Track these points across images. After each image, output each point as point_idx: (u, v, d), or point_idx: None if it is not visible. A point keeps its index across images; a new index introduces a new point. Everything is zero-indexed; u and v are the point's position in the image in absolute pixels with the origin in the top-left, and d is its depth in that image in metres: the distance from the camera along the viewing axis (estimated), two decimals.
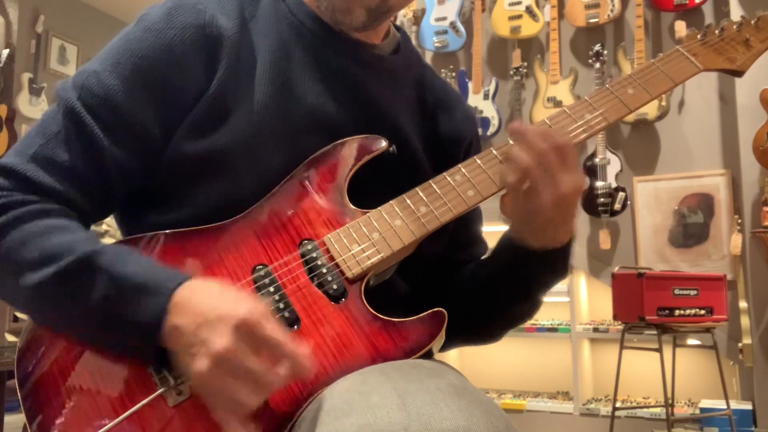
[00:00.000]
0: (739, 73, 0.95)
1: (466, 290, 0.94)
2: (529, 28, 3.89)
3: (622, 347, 3.01)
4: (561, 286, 3.55)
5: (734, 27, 0.96)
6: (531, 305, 0.91)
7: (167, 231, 0.80)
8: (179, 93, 0.81)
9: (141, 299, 0.69)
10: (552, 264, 0.85)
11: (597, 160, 3.58)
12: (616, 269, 3.10)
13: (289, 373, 0.65)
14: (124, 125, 0.80)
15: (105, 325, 0.71)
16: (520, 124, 0.80)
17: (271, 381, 0.64)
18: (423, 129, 0.96)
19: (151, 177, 0.83)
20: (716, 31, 0.95)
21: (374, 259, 0.78)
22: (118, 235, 0.89)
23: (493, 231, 1.10)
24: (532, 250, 0.83)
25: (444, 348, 0.86)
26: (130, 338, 0.71)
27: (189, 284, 0.70)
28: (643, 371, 3.49)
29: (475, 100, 3.97)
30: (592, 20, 3.70)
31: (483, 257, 0.99)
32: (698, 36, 0.95)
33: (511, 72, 3.94)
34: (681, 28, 3.53)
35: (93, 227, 0.86)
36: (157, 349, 0.70)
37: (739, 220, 3.38)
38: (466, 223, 0.97)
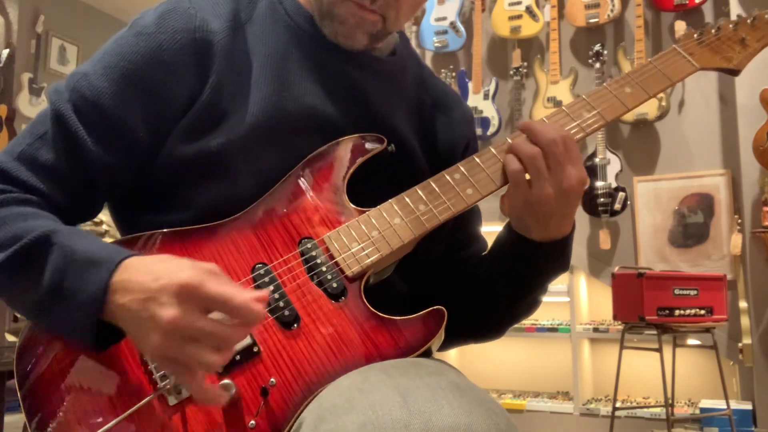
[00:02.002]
0: (735, 72, 0.96)
1: (467, 288, 0.94)
2: (529, 28, 3.89)
3: (622, 347, 3.01)
4: (561, 286, 3.59)
5: (730, 26, 0.96)
6: (533, 299, 0.92)
7: (165, 230, 0.81)
8: (168, 97, 0.82)
9: (87, 271, 0.70)
10: (555, 255, 0.86)
11: (597, 160, 3.58)
12: (616, 269, 3.10)
13: (244, 323, 0.65)
14: (111, 128, 0.81)
15: (52, 300, 0.72)
16: (528, 121, 0.82)
17: (230, 335, 0.64)
18: (421, 130, 0.96)
19: (147, 179, 0.84)
20: (713, 31, 0.96)
21: (374, 258, 0.78)
22: (119, 235, 0.90)
23: (492, 231, 1.10)
24: (536, 242, 0.84)
25: (445, 347, 0.86)
26: (71, 312, 0.71)
27: (132, 260, 0.70)
28: (643, 371, 3.49)
29: (475, 100, 3.97)
30: (592, 20, 3.71)
31: (483, 254, 0.99)
32: (695, 35, 0.95)
33: (511, 72, 3.94)
34: (681, 28, 3.53)
35: (93, 227, 0.86)
36: (95, 324, 0.70)
37: (739, 220, 3.38)
38: (465, 222, 0.97)
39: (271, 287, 0.76)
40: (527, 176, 0.79)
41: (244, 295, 0.64)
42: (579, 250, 3.68)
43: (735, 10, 3.40)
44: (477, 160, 0.84)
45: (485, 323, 0.95)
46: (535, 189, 0.79)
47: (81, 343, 0.73)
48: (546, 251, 0.85)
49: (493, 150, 0.84)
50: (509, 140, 0.84)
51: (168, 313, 0.63)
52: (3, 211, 0.76)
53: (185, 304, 0.64)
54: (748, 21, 0.97)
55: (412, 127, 0.95)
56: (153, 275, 0.66)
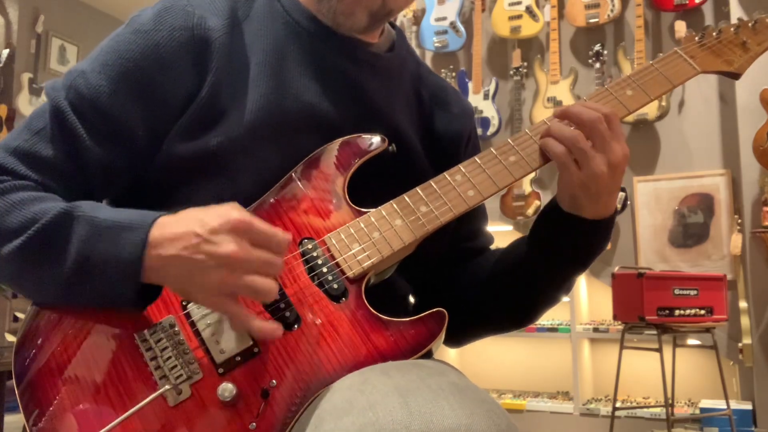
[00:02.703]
0: (736, 76, 0.96)
1: (485, 280, 0.93)
2: (529, 28, 3.89)
3: (622, 347, 3.01)
4: None
5: (731, 29, 0.96)
6: (573, 281, 0.92)
7: None
8: (166, 95, 0.82)
9: (119, 236, 0.72)
10: (604, 232, 0.86)
11: None
12: (616, 269, 3.10)
13: (281, 256, 0.71)
14: (108, 125, 0.81)
15: (85, 270, 0.72)
16: (563, 107, 0.83)
17: (281, 263, 0.71)
18: (420, 126, 0.96)
19: (145, 177, 0.84)
20: (714, 34, 0.96)
21: (374, 259, 0.78)
22: None
23: (492, 231, 1.10)
24: (588, 220, 0.84)
25: (468, 340, 0.87)
26: (110, 278, 0.72)
27: (161, 220, 0.73)
28: (643, 371, 3.49)
29: (475, 100, 3.97)
30: (592, 20, 3.71)
31: (514, 241, 0.97)
32: (696, 38, 0.95)
33: (511, 72, 3.94)
34: (681, 28, 3.53)
35: None
36: (137, 285, 0.72)
37: (739, 220, 3.38)
38: (471, 218, 0.96)
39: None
40: (573, 157, 0.80)
41: (279, 231, 0.72)
42: None
43: (735, 10, 3.40)
44: (478, 161, 0.84)
45: (515, 313, 0.94)
46: (585, 168, 0.79)
47: (123, 306, 0.74)
48: (597, 228, 0.85)
49: (494, 151, 0.84)
50: (510, 141, 0.84)
51: (228, 248, 0.68)
52: (10, 197, 0.76)
53: (241, 240, 0.69)
54: (750, 24, 0.97)
55: (412, 124, 0.94)
56: (197, 222, 0.70)
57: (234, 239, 0.68)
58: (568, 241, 0.86)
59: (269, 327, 0.71)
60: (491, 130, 3.89)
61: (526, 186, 3.60)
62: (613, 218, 0.86)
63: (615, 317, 3.02)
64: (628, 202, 3.59)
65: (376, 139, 0.86)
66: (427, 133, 0.97)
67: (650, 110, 3.53)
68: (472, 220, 0.99)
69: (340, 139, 0.86)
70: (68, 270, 0.72)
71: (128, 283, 0.72)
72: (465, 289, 0.95)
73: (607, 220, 0.85)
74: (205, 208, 0.72)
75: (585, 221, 0.84)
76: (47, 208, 0.74)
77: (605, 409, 3.43)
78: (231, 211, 0.70)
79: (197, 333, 0.74)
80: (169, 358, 0.72)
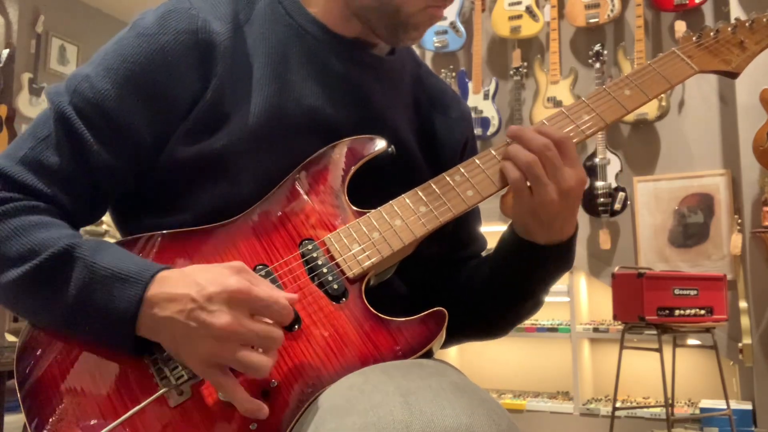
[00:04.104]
0: (734, 75, 0.96)
1: (468, 288, 0.94)
2: (529, 28, 3.89)
3: (622, 347, 3.01)
4: (561, 286, 3.59)
5: (729, 29, 0.97)
6: (536, 301, 0.92)
7: (165, 231, 0.81)
8: (171, 98, 0.82)
9: (116, 288, 0.71)
10: (559, 257, 0.86)
11: (597, 160, 3.58)
12: (616, 269, 3.10)
13: (282, 323, 0.69)
14: (115, 129, 0.80)
15: (81, 315, 0.72)
16: (517, 127, 0.82)
17: (279, 336, 0.68)
18: (419, 129, 0.96)
19: (148, 180, 0.84)
20: (711, 33, 0.96)
21: (374, 259, 0.78)
22: (119, 235, 0.90)
23: (492, 231, 1.10)
24: (540, 245, 0.84)
25: (447, 344, 0.87)
26: (105, 327, 0.71)
27: (165, 273, 0.71)
28: (643, 371, 3.49)
29: (475, 100, 3.97)
30: (592, 20, 3.71)
31: (485, 255, 1.00)
32: (694, 38, 0.96)
33: (511, 72, 3.94)
34: (681, 28, 3.53)
35: (93, 227, 0.86)
36: (133, 337, 0.71)
37: (739, 220, 3.38)
38: (465, 222, 0.98)
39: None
40: (528, 183, 0.80)
41: (282, 295, 0.69)
42: (579, 250, 3.66)
43: (735, 10, 3.40)
44: (477, 161, 0.84)
45: (489, 323, 0.96)
46: (536, 195, 0.79)
47: (120, 350, 0.73)
48: (550, 254, 0.85)
49: (493, 152, 0.84)
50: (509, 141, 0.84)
51: (221, 320, 0.66)
52: (13, 221, 0.75)
53: (236, 310, 0.67)
54: (747, 24, 0.97)
55: (411, 127, 0.95)
56: (196, 285, 0.68)
57: (229, 310, 0.66)
58: (523, 265, 0.87)
59: (255, 406, 0.68)
60: (491, 130, 3.90)
61: None
62: (570, 242, 0.86)
63: (615, 317, 3.02)
64: (628, 202, 3.59)
65: (376, 141, 0.86)
66: (426, 136, 0.97)
67: (650, 110, 3.53)
68: (466, 223, 0.99)
69: (341, 141, 0.86)
70: (65, 311, 0.73)
71: (122, 335, 0.71)
72: (452, 294, 0.95)
73: (563, 245, 0.85)
74: (207, 267, 0.71)
75: (538, 246, 0.84)
76: (49, 241, 0.73)
77: (605, 409, 3.43)
78: (230, 278, 0.68)
79: None
80: (170, 358, 0.72)
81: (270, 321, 0.68)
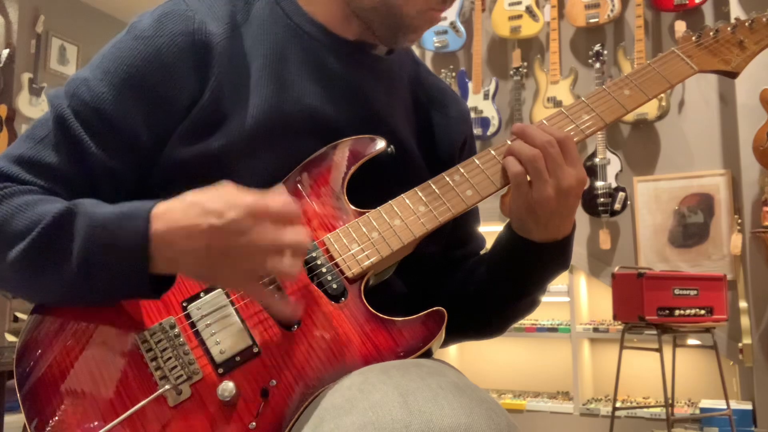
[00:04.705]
0: (733, 75, 0.96)
1: (466, 287, 0.94)
2: (529, 28, 3.89)
3: (622, 347, 3.01)
4: (561, 286, 3.59)
5: (729, 29, 0.97)
6: (533, 299, 0.92)
7: None
8: (169, 100, 0.82)
9: (120, 226, 0.71)
10: (556, 255, 0.86)
11: (597, 159, 3.58)
12: (616, 269, 3.10)
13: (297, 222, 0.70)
14: (113, 132, 0.81)
15: (93, 265, 0.71)
16: (522, 124, 0.82)
17: (303, 237, 0.70)
18: (418, 128, 0.96)
19: (147, 182, 0.84)
20: (711, 33, 0.96)
21: (373, 259, 0.79)
22: None
23: (492, 231, 1.10)
24: (537, 243, 0.84)
25: (445, 344, 0.87)
26: (118, 268, 0.71)
27: (163, 206, 0.72)
28: (643, 371, 3.49)
29: (475, 100, 3.97)
30: (592, 20, 3.71)
31: (483, 253, 1.00)
32: (693, 38, 0.96)
33: (511, 72, 3.95)
34: (681, 28, 3.53)
35: None
36: (148, 271, 0.71)
37: (739, 220, 3.38)
38: (463, 221, 0.98)
39: (273, 288, 0.76)
40: (528, 178, 0.80)
41: (284, 198, 0.70)
42: (579, 250, 3.68)
43: (735, 10, 3.41)
44: (477, 161, 0.84)
45: (486, 322, 0.96)
46: (535, 190, 0.79)
47: (137, 296, 0.74)
48: (547, 252, 0.85)
49: (492, 152, 0.85)
50: (509, 142, 0.84)
51: (253, 240, 0.67)
52: (15, 200, 0.75)
53: (260, 225, 0.68)
54: (747, 24, 0.97)
55: (410, 126, 0.95)
56: (213, 214, 0.68)
57: (255, 228, 0.68)
58: (519, 263, 0.87)
59: (291, 307, 0.72)
60: (491, 130, 3.90)
61: None
62: (567, 240, 0.86)
63: (615, 317, 3.02)
64: (628, 202, 3.59)
65: (375, 141, 0.86)
66: (425, 135, 0.97)
67: (650, 110, 3.53)
68: (465, 222, 0.99)
69: (340, 141, 0.86)
70: (74, 267, 0.72)
71: (136, 272, 0.71)
72: (449, 295, 0.95)
73: (559, 244, 0.85)
74: (206, 192, 0.71)
75: (534, 244, 0.84)
76: (50, 208, 0.74)
77: (605, 409, 3.43)
78: (239, 196, 0.69)
79: (197, 333, 0.75)
80: (169, 358, 0.73)
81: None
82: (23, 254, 0.73)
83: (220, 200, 0.69)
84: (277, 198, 0.70)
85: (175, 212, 0.70)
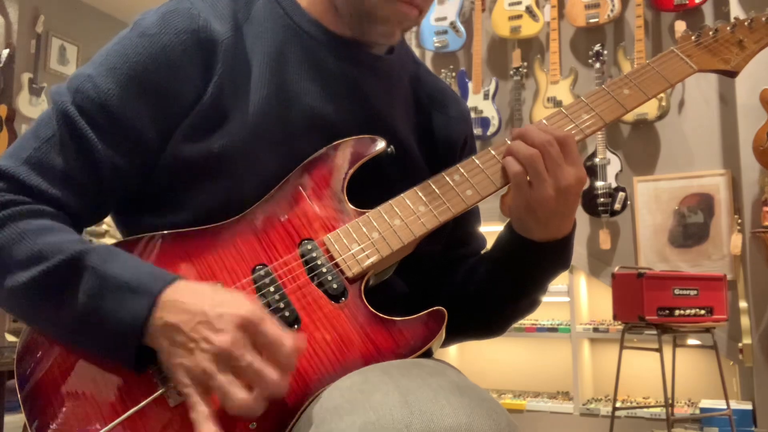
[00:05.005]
0: (733, 74, 0.96)
1: (466, 287, 0.94)
2: (529, 28, 3.89)
3: (622, 347, 3.01)
4: (561, 286, 3.59)
5: (728, 28, 0.97)
6: (533, 299, 0.92)
7: (166, 232, 0.81)
8: (174, 97, 0.82)
9: (125, 299, 0.70)
10: (556, 255, 0.86)
11: (597, 159, 3.58)
12: (616, 269, 3.10)
13: (284, 371, 0.66)
14: (119, 129, 0.80)
15: (87, 324, 0.71)
16: (520, 128, 0.83)
17: (272, 380, 0.65)
18: (418, 128, 0.96)
19: (148, 180, 0.84)
20: (710, 33, 0.96)
21: (374, 259, 0.79)
22: (119, 235, 0.90)
23: (492, 231, 1.10)
24: (537, 243, 0.84)
25: (445, 343, 0.87)
26: (111, 338, 0.71)
27: (177, 285, 0.71)
28: (643, 371, 3.49)
29: (475, 100, 3.97)
30: (592, 20, 3.71)
31: (483, 253, 1.00)
32: (692, 37, 0.96)
33: (511, 72, 3.95)
34: (681, 28, 3.53)
35: (94, 227, 0.86)
36: (135, 350, 0.70)
37: (739, 220, 3.38)
38: (464, 221, 0.97)
39: (272, 289, 0.76)
40: (528, 178, 0.80)
41: (291, 341, 0.67)
42: (579, 250, 3.68)
43: (735, 10, 3.41)
44: (476, 161, 0.84)
45: (487, 321, 0.96)
46: (535, 190, 0.79)
47: (123, 365, 0.72)
48: (547, 251, 0.85)
49: (492, 151, 0.85)
50: (509, 142, 0.84)
51: (223, 339, 0.65)
52: (21, 225, 0.74)
53: (241, 336, 0.66)
54: (746, 23, 0.97)
55: (410, 126, 0.95)
56: (212, 302, 0.68)
57: (234, 332, 0.66)
58: (520, 262, 0.87)
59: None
60: (491, 130, 3.90)
61: None
62: (567, 239, 0.86)
63: (615, 317, 3.02)
64: (628, 202, 3.59)
65: (375, 141, 0.86)
66: (425, 135, 0.97)
67: (650, 110, 3.53)
68: (465, 222, 0.99)
69: (340, 141, 0.86)
70: (71, 319, 0.72)
71: (127, 346, 0.70)
72: (449, 295, 0.95)
73: (560, 243, 0.85)
74: (223, 289, 0.71)
75: (534, 244, 0.84)
76: (58, 245, 0.73)
77: (605, 409, 3.43)
78: (245, 305, 0.68)
79: None
80: None
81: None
82: (23, 287, 0.73)
83: (226, 296, 0.69)
84: (279, 330, 0.67)
85: (182, 309, 0.69)
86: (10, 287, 0.73)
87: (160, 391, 0.71)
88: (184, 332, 0.67)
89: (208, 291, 0.70)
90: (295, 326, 0.74)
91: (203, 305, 0.68)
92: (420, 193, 0.82)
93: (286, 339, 0.67)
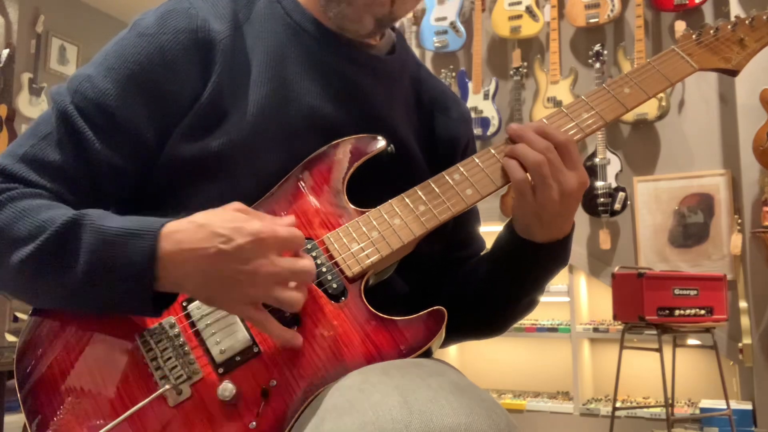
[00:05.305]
0: (734, 73, 0.96)
1: (466, 287, 0.94)
2: (529, 28, 3.89)
3: (622, 347, 3.01)
4: (561, 286, 3.59)
5: (729, 27, 0.97)
6: (532, 299, 0.93)
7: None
8: (173, 97, 0.82)
9: (127, 243, 0.70)
10: (556, 254, 0.87)
11: (597, 160, 3.58)
12: (616, 269, 3.10)
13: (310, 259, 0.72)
14: (117, 129, 0.80)
15: (97, 278, 0.71)
16: (517, 125, 0.82)
17: (309, 267, 0.71)
18: (419, 129, 0.96)
19: (147, 180, 0.84)
20: (711, 31, 0.96)
21: (373, 258, 0.78)
22: None
23: (492, 231, 1.10)
24: (538, 244, 0.85)
25: (445, 343, 0.87)
26: (122, 285, 0.70)
27: (173, 225, 0.71)
28: (643, 371, 3.49)
29: (475, 100, 3.97)
30: (592, 20, 3.71)
31: (482, 253, 1.00)
32: (693, 36, 0.96)
33: (511, 72, 3.94)
34: (681, 28, 3.53)
35: None
36: (151, 290, 0.71)
37: (739, 220, 3.38)
38: (464, 222, 0.98)
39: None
40: (531, 183, 0.80)
41: (294, 227, 0.72)
42: (579, 250, 3.68)
43: (735, 9, 3.41)
44: (476, 160, 0.84)
45: (486, 321, 0.96)
46: (539, 196, 0.79)
47: (136, 313, 0.74)
48: (548, 251, 0.85)
49: (492, 151, 0.85)
50: (509, 142, 0.84)
51: (259, 267, 0.68)
52: (19, 204, 0.75)
53: (268, 252, 0.69)
54: (747, 22, 0.97)
55: (410, 126, 0.95)
56: (220, 237, 0.69)
57: (262, 255, 0.69)
58: (520, 263, 0.87)
59: (290, 335, 0.72)
60: (491, 130, 3.90)
61: None
62: (567, 238, 0.87)
63: (615, 317, 3.02)
64: (628, 202, 3.59)
65: (375, 140, 0.86)
66: (426, 135, 0.97)
67: (650, 110, 3.53)
68: (465, 223, 0.99)
69: (340, 140, 0.86)
70: (78, 279, 0.72)
71: (141, 291, 0.71)
72: (449, 295, 0.95)
73: (560, 242, 0.86)
74: (216, 213, 0.71)
75: (536, 245, 0.85)
76: (55, 216, 0.73)
77: (605, 409, 3.43)
78: (250, 222, 0.69)
79: (197, 333, 0.75)
80: (170, 358, 0.73)
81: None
82: (27, 259, 0.73)
83: (229, 224, 0.69)
84: (286, 226, 0.71)
85: (184, 233, 0.70)
86: (15, 263, 0.73)
87: (161, 390, 0.71)
88: (214, 277, 0.69)
89: (205, 224, 0.70)
90: (295, 326, 0.74)
91: (216, 243, 0.69)
92: (420, 193, 0.82)
93: (294, 229, 0.71)
